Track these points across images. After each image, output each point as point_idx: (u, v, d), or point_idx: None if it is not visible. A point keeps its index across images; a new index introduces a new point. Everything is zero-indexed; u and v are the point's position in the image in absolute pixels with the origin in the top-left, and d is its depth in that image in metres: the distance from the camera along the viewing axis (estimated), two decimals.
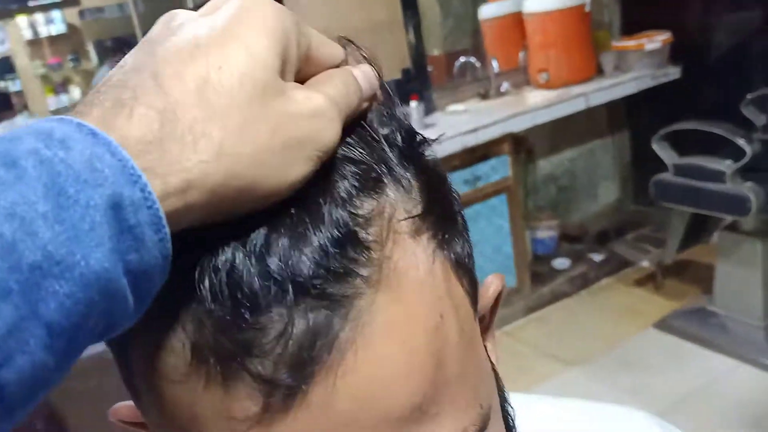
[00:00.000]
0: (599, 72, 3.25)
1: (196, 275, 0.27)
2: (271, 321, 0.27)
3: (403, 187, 0.31)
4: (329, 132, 0.28)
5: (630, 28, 3.46)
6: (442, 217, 0.32)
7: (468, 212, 2.03)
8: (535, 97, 3.17)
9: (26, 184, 0.21)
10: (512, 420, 0.42)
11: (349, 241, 0.28)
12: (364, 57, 0.35)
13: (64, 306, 0.21)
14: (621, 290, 3.18)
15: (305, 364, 0.27)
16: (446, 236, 0.32)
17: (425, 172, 0.33)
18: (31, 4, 3.75)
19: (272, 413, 0.27)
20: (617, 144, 3.69)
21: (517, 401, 0.52)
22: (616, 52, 3.23)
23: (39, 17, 3.80)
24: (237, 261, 0.27)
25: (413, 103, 2.84)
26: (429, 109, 3.07)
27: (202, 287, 0.27)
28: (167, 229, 0.24)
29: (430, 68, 3.24)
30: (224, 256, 0.27)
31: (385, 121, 0.33)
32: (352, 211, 0.28)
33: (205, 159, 0.25)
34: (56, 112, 4.07)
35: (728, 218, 2.62)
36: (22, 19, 3.75)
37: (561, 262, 3.35)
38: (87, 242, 0.22)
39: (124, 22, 3.78)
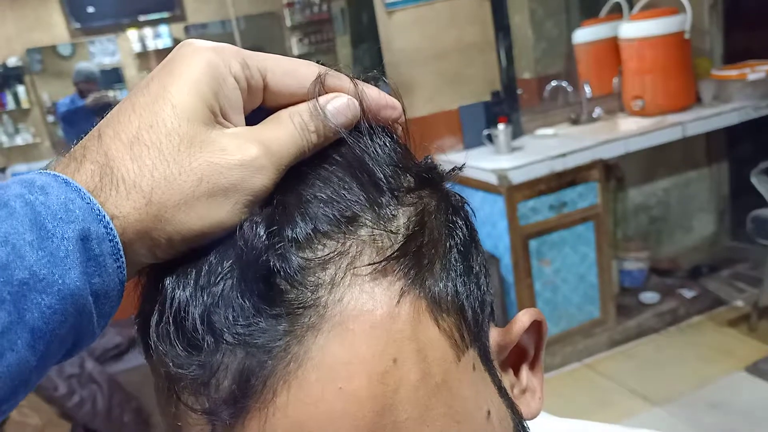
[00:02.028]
0: (698, 101, 3.13)
1: (153, 314, 0.31)
2: (208, 362, 0.29)
3: (383, 224, 0.31)
4: (257, 180, 0.30)
5: (732, 57, 3.32)
6: (423, 255, 0.32)
7: (552, 238, 2.00)
8: (628, 124, 3.09)
9: (16, 219, 0.26)
10: None
11: (289, 287, 0.29)
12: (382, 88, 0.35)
13: (45, 314, 0.26)
14: (712, 329, 3.02)
15: (238, 400, 0.29)
16: (424, 275, 0.32)
17: (420, 208, 0.33)
18: (141, 19, 3.97)
19: None
20: (715, 176, 3.54)
21: (576, 428, 0.51)
22: (716, 81, 3.11)
23: (148, 31, 4.01)
24: (181, 304, 0.30)
25: (501, 126, 2.82)
26: (517, 132, 3.04)
27: (152, 324, 0.31)
28: (124, 259, 0.29)
29: (520, 91, 3.21)
30: (173, 296, 0.30)
31: (382, 156, 0.33)
32: (303, 256, 0.29)
33: (137, 206, 0.29)
34: None
35: None
36: (132, 33, 3.97)
37: (650, 296, 3.22)
38: (63, 266, 0.27)
39: (226, 38, 3.93)
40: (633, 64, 3.09)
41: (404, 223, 0.32)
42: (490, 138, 2.89)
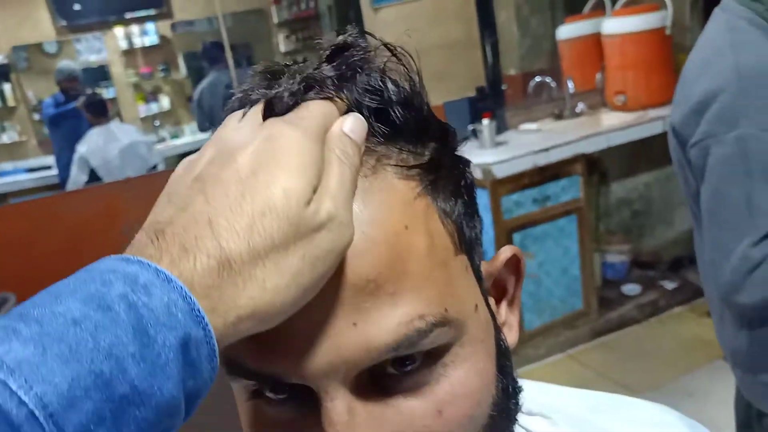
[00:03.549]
0: None
1: None
2: None
3: (410, 149, 0.38)
4: (345, 236, 0.33)
5: None
6: (440, 177, 0.39)
7: (535, 232, 2.06)
8: (610, 118, 3.14)
9: (120, 327, 0.26)
10: (513, 388, 0.44)
11: None
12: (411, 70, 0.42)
13: (140, 427, 0.26)
14: (693, 320, 3.08)
15: None
16: (438, 191, 0.39)
17: (442, 150, 0.40)
18: (127, 16, 3.98)
19: None
20: None
21: (542, 389, 0.55)
22: None
23: (134, 29, 4.02)
24: None
25: (485, 121, 2.86)
26: (501, 127, 3.08)
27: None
28: (217, 360, 0.30)
29: (504, 87, 3.26)
30: None
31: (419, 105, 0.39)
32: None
33: (253, 296, 0.30)
34: (145, 119, 4.27)
35: None
36: (119, 30, 3.98)
37: (631, 288, 3.29)
38: (162, 376, 0.27)
39: (212, 35, 3.95)
40: (615, 59, 3.14)
41: (428, 152, 0.39)
42: (474, 133, 2.93)
